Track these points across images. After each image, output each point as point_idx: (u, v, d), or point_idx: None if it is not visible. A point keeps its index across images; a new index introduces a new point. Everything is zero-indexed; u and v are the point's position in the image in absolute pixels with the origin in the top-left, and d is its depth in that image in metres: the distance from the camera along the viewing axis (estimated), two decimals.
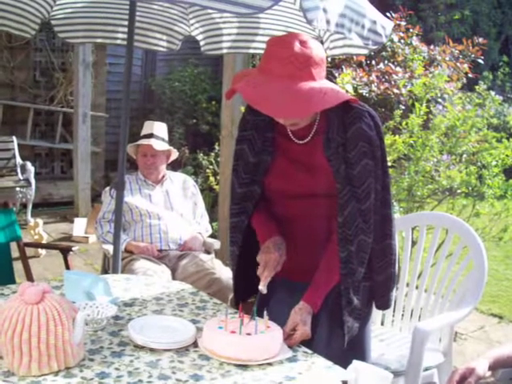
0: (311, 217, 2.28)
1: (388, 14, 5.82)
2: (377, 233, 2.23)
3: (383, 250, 2.28)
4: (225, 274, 3.80)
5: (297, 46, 2.00)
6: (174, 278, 3.81)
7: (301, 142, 2.24)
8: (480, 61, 6.62)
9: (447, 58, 6.04)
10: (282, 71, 1.99)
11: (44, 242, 6.45)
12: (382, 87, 5.36)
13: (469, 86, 6.34)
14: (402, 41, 5.99)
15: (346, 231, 2.17)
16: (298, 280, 2.32)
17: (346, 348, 2.22)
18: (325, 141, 2.18)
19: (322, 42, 3.45)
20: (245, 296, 2.49)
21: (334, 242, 2.20)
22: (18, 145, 7.74)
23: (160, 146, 4.14)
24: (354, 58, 5.66)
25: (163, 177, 4.25)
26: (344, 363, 1.95)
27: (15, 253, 3.80)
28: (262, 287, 2.20)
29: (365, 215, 2.18)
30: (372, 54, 5.16)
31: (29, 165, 7.52)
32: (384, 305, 2.40)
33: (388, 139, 4.19)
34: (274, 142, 2.28)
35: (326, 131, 2.18)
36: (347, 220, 2.17)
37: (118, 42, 4.01)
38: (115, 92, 9.33)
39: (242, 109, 4.78)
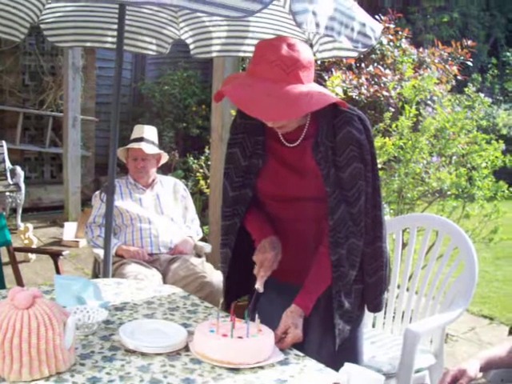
0: (302, 220, 2.28)
1: (377, 17, 5.84)
2: (368, 236, 2.24)
3: (374, 253, 2.28)
4: (216, 277, 3.80)
5: (284, 49, 2.01)
6: (164, 281, 3.80)
7: (291, 145, 2.24)
8: (469, 63, 6.66)
9: (436, 61, 6.07)
10: (270, 74, 1.99)
11: (34, 246, 6.43)
12: (371, 90, 5.38)
13: (458, 88, 6.38)
14: (392, 43, 6.01)
15: (336, 234, 2.17)
16: (288, 281, 2.33)
17: (338, 350, 2.22)
18: (314, 144, 2.19)
19: (311, 45, 3.45)
20: (235, 298, 2.49)
21: (325, 245, 2.21)
22: (8, 149, 7.71)
23: (150, 149, 4.13)
24: (344, 60, 5.68)
25: (153, 180, 4.25)
26: (336, 366, 1.95)
27: (5, 257, 3.78)
28: (259, 286, 2.21)
29: (355, 218, 2.18)
30: (361, 56, 5.18)
31: (18, 169, 7.50)
32: (376, 307, 2.40)
33: (378, 141, 4.20)
34: (265, 146, 2.29)
35: (315, 135, 2.19)
36: (338, 223, 2.17)
37: (108, 45, 4.01)
38: (105, 96, 9.33)
39: (233, 112, 4.79)
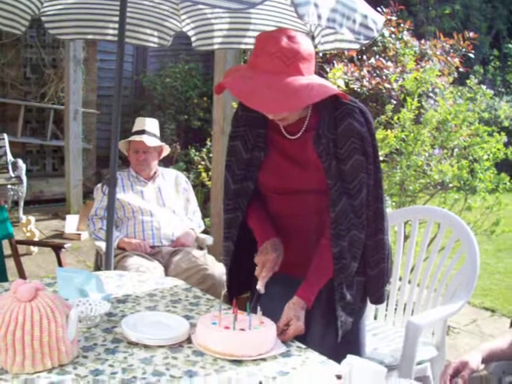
0: (303, 212, 2.28)
1: (379, 9, 5.83)
2: (369, 228, 2.23)
3: (376, 246, 2.28)
4: (218, 269, 3.80)
5: (284, 41, 2.01)
6: (166, 274, 3.80)
7: (292, 137, 2.24)
8: (471, 55, 6.66)
9: (438, 53, 6.07)
10: (270, 66, 1.99)
11: (36, 239, 6.43)
12: (373, 82, 5.38)
13: (460, 81, 6.37)
14: (393, 35, 6.01)
15: (338, 227, 2.17)
16: (290, 274, 2.33)
17: (340, 343, 2.22)
18: (315, 137, 2.19)
19: (313, 37, 3.44)
20: (238, 291, 2.50)
21: (327, 238, 2.21)
22: (9, 142, 7.70)
23: (152, 142, 4.13)
24: (346, 52, 5.67)
25: (155, 173, 4.25)
26: (338, 358, 1.95)
27: (7, 250, 3.79)
28: (260, 287, 2.21)
29: (357, 211, 2.18)
30: (363, 48, 5.17)
31: (20, 162, 7.49)
32: (378, 299, 2.40)
33: (380, 134, 4.20)
34: (267, 138, 2.29)
35: (317, 127, 2.19)
36: (339, 215, 2.17)
37: (109, 38, 4.00)
38: (106, 88, 9.32)
39: (234, 105, 4.77)
